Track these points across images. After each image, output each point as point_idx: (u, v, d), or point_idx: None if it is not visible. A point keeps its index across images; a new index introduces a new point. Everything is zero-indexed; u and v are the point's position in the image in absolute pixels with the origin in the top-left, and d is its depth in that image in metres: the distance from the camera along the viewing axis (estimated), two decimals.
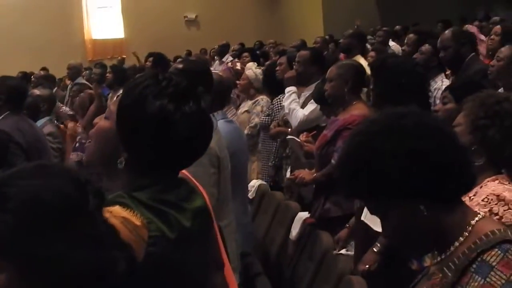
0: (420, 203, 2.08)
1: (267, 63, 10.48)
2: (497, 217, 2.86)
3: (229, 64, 13.51)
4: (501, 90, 5.69)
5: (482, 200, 2.99)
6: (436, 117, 3.34)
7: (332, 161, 5.06)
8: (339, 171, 2.20)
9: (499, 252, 2.03)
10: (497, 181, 3.10)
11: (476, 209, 2.70)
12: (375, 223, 4.01)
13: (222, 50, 16.99)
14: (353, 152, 2.12)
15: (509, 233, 2.11)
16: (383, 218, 2.21)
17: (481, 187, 3.09)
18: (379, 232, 3.94)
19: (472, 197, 3.04)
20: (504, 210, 2.90)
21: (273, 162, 7.61)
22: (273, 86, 8.07)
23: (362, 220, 4.13)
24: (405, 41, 9.34)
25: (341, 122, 5.24)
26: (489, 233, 2.11)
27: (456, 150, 2.17)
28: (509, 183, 3.09)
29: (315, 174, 5.34)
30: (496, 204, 2.95)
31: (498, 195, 2.99)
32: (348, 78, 5.32)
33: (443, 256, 2.17)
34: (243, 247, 4.88)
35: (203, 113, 2.49)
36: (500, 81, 5.89)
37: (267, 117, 7.80)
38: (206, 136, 2.57)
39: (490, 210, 2.90)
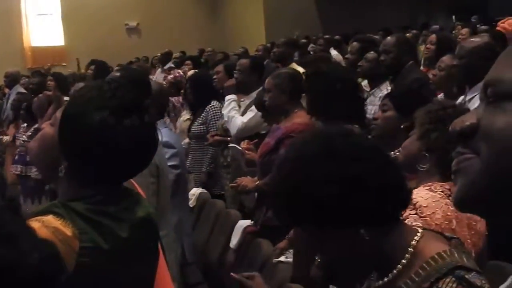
0: (360, 228, 2.05)
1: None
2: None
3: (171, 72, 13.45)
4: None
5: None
6: (364, 136, 3.37)
7: None
8: (273, 200, 2.18)
9: (454, 279, 2.01)
10: (427, 187, 3.13)
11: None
12: None
13: (164, 58, 16.86)
14: (286, 180, 2.07)
15: (456, 256, 2.10)
16: (321, 251, 2.20)
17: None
18: None
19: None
20: (410, 215, 2.94)
21: (207, 168, 7.61)
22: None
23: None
24: (349, 49, 9.40)
25: (283, 130, 5.25)
26: (436, 257, 2.09)
27: (391, 168, 2.16)
28: (441, 191, 3.10)
29: (258, 182, 5.33)
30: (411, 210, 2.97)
31: (416, 203, 3.01)
32: (285, 87, 5.35)
33: (385, 280, 2.14)
34: (183, 256, 4.88)
35: (146, 127, 2.46)
36: (442, 90, 6.00)
37: (201, 126, 7.76)
38: (150, 149, 2.54)
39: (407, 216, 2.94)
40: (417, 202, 2.96)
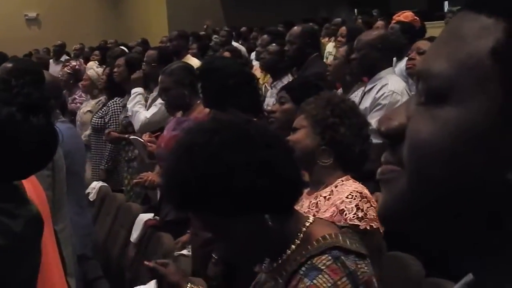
0: (265, 214, 2.08)
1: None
2: (362, 213, 2.96)
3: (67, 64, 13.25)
4: (340, 91, 5.87)
5: (347, 197, 3.03)
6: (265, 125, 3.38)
7: None
8: (169, 187, 2.16)
9: (330, 257, 2.07)
10: (351, 180, 3.18)
11: (341, 206, 2.96)
12: None
13: (58, 50, 16.54)
14: (193, 167, 2.03)
15: (340, 238, 2.15)
16: (224, 238, 2.17)
17: (336, 186, 3.15)
18: None
19: (328, 197, 3.12)
20: (367, 207, 2.99)
21: (105, 166, 7.54)
22: (113, 87, 7.97)
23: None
24: (259, 41, 9.42)
25: (193, 123, 5.16)
26: (320, 238, 2.15)
27: (291, 158, 2.20)
28: (358, 182, 3.20)
29: None
30: (360, 200, 3.01)
31: (360, 193, 3.06)
32: (184, 82, 5.34)
33: (274, 265, 2.19)
34: (81, 250, 4.80)
35: (51, 127, 2.42)
36: (337, 79, 6.11)
37: (100, 119, 7.67)
38: (51, 149, 2.50)
39: (356, 206, 2.99)
40: (367, 195, 3.07)
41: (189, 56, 8.94)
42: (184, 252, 4.72)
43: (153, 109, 6.59)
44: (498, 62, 0.80)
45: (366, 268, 2.15)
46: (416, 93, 0.90)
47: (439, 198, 0.85)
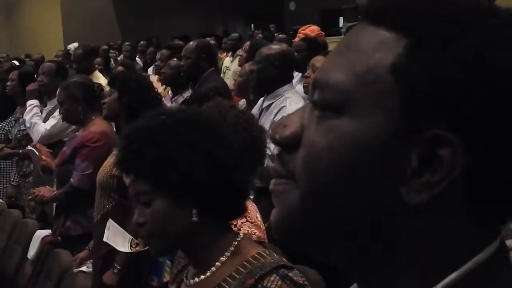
0: (193, 207, 2.07)
1: None
2: (236, 228, 2.78)
3: None
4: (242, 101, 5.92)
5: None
6: None
7: (72, 180, 4.99)
8: (129, 144, 2.13)
9: (278, 277, 2.05)
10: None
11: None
12: (117, 244, 4.02)
13: None
14: (151, 132, 2.08)
15: (275, 255, 2.15)
16: (148, 204, 2.13)
17: None
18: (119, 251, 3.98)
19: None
20: (242, 223, 2.86)
21: (15, 182, 7.37)
22: (4, 102, 7.83)
23: (105, 241, 4.08)
24: (158, 56, 9.41)
25: (79, 139, 5.18)
26: (257, 256, 2.13)
27: (243, 166, 2.19)
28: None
29: (55, 192, 5.21)
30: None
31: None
32: (79, 97, 5.25)
33: (202, 277, 2.15)
34: None
35: None
36: (242, 96, 6.09)
37: None
38: None
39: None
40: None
41: (96, 72, 8.90)
42: (83, 268, 4.68)
43: (52, 121, 6.49)
44: (397, 78, 0.79)
45: (306, 282, 2.14)
46: (311, 102, 0.87)
47: (331, 214, 0.84)
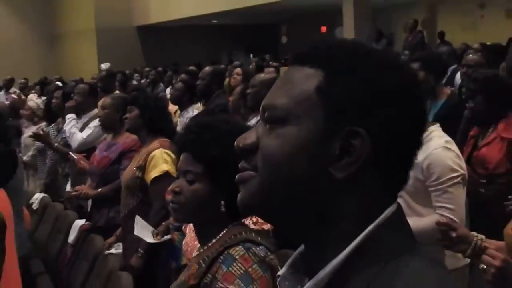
0: (223, 199, 2.14)
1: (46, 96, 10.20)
2: (255, 218, 2.88)
3: (13, 95, 12.98)
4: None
5: None
6: None
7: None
8: (201, 132, 2.20)
9: (242, 248, 2.10)
10: None
11: None
12: (144, 236, 4.06)
13: (8, 84, 16.16)
14: (220, 132, 2.16)
15: (253, 235, 2.18)
16: (191, 182, 2.18)
17: None
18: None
19: None
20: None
21: (45, 180, 7.40)
22: (51, 114, 7.89)
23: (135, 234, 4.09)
24: (178, 79, 9.38)
25: (122, 146, 5.16)
26: (237, 233, 2.16)
27: None
28: None
29: (101, 189, 5.15)
30: None
31: None
32: (119, 108, 5.18)
33: (201, 250, 2.20)
34: (23, 252, 4.74)
35: (12, 152, 2.42)
36: (235, 111, 6.08)
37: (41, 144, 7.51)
38: (13, 169, 2.49)
39: None
40: None
41: (116, 91, 8.80)
42: (112, 251, 4.69)
43: (88, 131, 6.46)
44: (320, 96, 0.97)
45: (273, 257, 2.17)
46: (262, 121, 1.03)
47: (282, 193, 0.98)
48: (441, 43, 15.39)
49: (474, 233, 2.80)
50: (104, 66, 12.73)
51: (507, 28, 17.52)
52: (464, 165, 3.50)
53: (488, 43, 10.78)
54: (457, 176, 3.35)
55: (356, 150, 0.95)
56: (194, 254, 2.28)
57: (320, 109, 0.97)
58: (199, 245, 2.29)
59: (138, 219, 4.11)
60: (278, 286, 1.06)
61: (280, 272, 1.06)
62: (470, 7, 19.81)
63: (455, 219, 3.24)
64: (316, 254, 0.99)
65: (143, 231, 4.08)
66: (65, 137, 6.90)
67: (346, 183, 0.96)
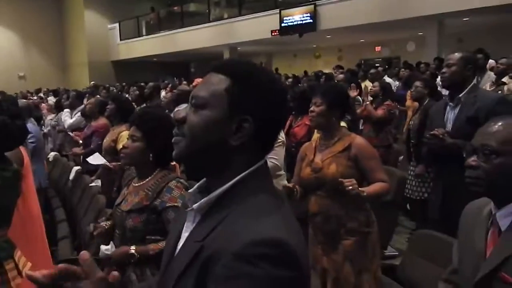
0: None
1: None
2: None
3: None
4: None
5: None
6: None
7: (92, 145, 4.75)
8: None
9: (175, 182, 2.01)
10: None
11: None
12: (94, 161, 3.98)
13: (36, 91, 15.06)
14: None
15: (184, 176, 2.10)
16: (133, 141, 2.06)
17: None
18: None
19: None
20: None
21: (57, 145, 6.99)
22: (59, 108, 7.51)
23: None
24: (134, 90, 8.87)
25: (94, 127, 4.92)
26: (166, 174, 2.07)
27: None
28: None
29: (84, 150, 4.91)
30: None
31: None
32: (97, 105, 5.04)
33: (140, 183, 2.07)
34: (44, 184, 4.47)
35: (24, 125, 2.25)
36: (168, 108, 5.84)
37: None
38: (25, 136, 2.34)
39: None
40: None
41: (98, 96, 8.46)
42: (93, 184, 4.41)
43: (74, 119, 6.50)
44: (227, 94, 0.89)
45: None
46: (190, 104, 0.93)
47: (199, 151, 0.90)
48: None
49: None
50: (93, 83, 12.14)
51: (315, 64, 18.16)
52: (284, 135, 3.50)
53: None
54: (280, 141, 3.33)
55: (245, 130, 0.88)
56: (133, 184, 2.12)
57: (226, 102, 0.88)
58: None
59: (91, 157, 4.04)
60: (187, 201, 0.97)
61: (190, 190, 0.97)
62: (288, 55, 20.33)
63: (278, 164, 3.32)
64: (214, 185, 0.90)
65: (93, 159, 3.98)
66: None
67: (237, 148, 0.89)
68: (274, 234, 0.77)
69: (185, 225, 0.94)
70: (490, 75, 6.03)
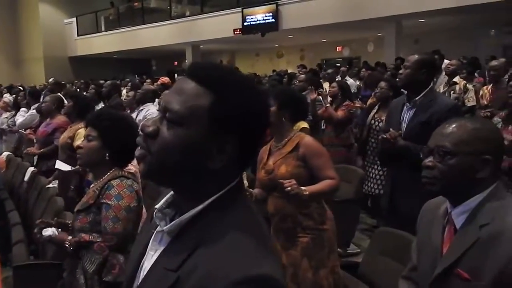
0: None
1: None
2: None
3: None
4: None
5: None
6: None
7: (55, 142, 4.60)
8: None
9: (118, 180, 2.01)
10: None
11: None
12: (62, 167, 3.78)
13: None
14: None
15: (126, 173, 2.07)
16: (89, 141, 2.03)
17: None
18: None
19: None
20: None
21: (12, 146, 6.70)
22: (16, 106, 7.23)
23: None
24: (91, 88, 8.64)
25: (55, 124, 4.74)
26: (116, 173, 2.05)
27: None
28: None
29: (42, 149, 4.71)
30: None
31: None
32: (55, 102, 4.87)
33: (96, 183, 2.05)
34: None
35: None
36: (129, 106, 5.76)
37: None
38: None
39: None
40: None
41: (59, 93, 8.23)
42: (50, 185, 4.26)
43: (26, 117, 6.32)
44: (209, 112, 0.78)
45: (137, 185, 2.08)
46: (163, 116, 0.81)
47: (173, 172, 0.80)
48: None
49: None
50: (52, 80, 11.62)
51: (277, 64, 18.27)
52: None
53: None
54: None
55: (228, 152, 0.79)
56: (91, 186, 2.12)
57: (207, 120, 0.78)
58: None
59: (58, 161, 3.92)
60: (154, 216, 0.87)
61: (157, 206, 0.87)
62: (251, 54, 20.35)
63: None
64: (184, 204, 0.83)
65: (60, 165, 3.86)
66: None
67: (216, 170, 0.80)
68: (260, 271, 0.71)
69: (151, 242, 0.87)
70: (445, 76, 6.25)
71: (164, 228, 0.83)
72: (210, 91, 0.78)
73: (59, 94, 6.39)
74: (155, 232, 0.86)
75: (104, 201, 1.95)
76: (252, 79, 0.82)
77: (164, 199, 0.88)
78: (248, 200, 0.85)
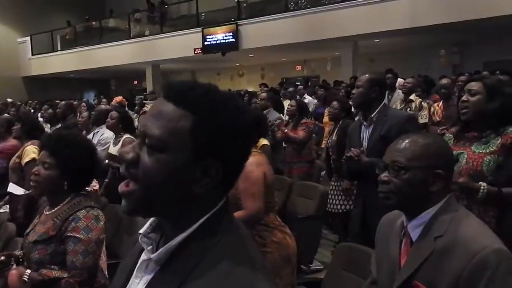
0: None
1: None
2: None
3: None
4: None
5: None
6: None
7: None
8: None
9: (84, 211, 1.92)
10: None
11: None
12: (15, 191, 3.62)
13: None
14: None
15: (91, 202, 1.99)
16: (45, 168, 1.94)
17: None
18: None
19: None
20: None
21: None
22: None
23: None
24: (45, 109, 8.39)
25: (1, 148, 4.52)
26: (79, 201, 1.96)
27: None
28: None
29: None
30: None
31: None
32: (3, 124, 4.64)
33: (51, 211, 1.95)
34: None
35: None
36: (84, 128, 5.60)
37: None
38: None
39: None
40: None
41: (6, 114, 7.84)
42: (1, 210, 4.10)
43: None
44: (191, 135, 0.74)
45: (101, 213, 1.99)
46: (141, 142, 0.77)
47: (158, 201, 0.77)
48: None
49: None
50: (9, 100, 11.04)
51: (238, 82, 18.37)
52: None
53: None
54: None
55: (212, 175, 0.76)
56: (45, 212, 1.99)
57: (190, 144, 0.74)
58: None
59: (11, 184, 3.76)
60: (140, 241, 0.83)
61: (141, 231, 0.82)
62: (212, 73, 20.43)
63: None
64: (170, 229, 0.79)
65: (14, 188, 3.72)
66: None
67: (201, 194, 0.76)
68: None
69: (136, 270, 0.82)
70: (400, 93, 6.47)
71: (152, 256, 0.79)
72: (189, 113, 0.74)
73: (7, 115, 6.13)
74: (140, 260, 0.82)
75: (72, 234, 1.86)
76: (233, 96, 0.79)
77: (148, 223, 0.84)
78: (235, 220, 0.82)
